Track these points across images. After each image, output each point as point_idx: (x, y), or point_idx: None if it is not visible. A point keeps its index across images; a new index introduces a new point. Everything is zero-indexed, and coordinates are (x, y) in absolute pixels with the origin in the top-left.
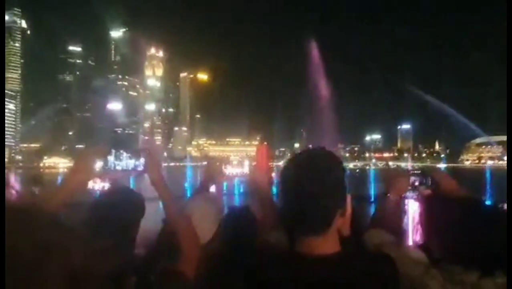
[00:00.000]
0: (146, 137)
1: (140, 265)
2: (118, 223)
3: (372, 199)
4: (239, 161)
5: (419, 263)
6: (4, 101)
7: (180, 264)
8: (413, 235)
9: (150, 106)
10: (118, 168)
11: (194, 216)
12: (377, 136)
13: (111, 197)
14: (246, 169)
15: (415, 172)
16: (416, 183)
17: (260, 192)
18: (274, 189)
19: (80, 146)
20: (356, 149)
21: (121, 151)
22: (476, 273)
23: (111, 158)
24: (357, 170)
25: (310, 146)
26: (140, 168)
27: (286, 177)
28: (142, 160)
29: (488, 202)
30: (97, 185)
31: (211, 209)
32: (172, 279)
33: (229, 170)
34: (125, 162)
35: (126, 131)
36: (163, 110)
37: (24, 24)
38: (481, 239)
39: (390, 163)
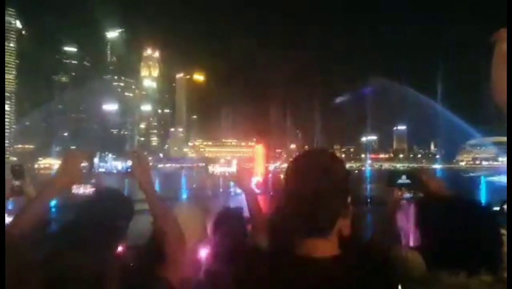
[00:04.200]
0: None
1: (127, 267)
2: (104, 226)
3: (369, 200)
4: (227, 160)
5: (418, 268)
6: (4, 101)
7: (166, 267)
8: (408, 237)
9: (146, 107)
10: (102, 170)
11: (180, 218)
12: (372, 137)
13: (98, 200)
14: (233, 168)
15: (405, 172)
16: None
17: (246, 191)
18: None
19: (74, 147)
20: (352, 149)
21: (106, 152)
22: (462, 274)
23: (96, 160)
24: (356, 171)
25: (306, 146)
26: (128, 170)
27: (290, 178)
28: (129, 162)
29: (476, 201)
30: (84, 189)
31: (198, 212)
32: (157, 284)
33: (217, 169)
34: (110, 163)
35: (122, 132)
36: (159, 111)
37: (19, 24)
38: (466, 238)
39: (386, 165)
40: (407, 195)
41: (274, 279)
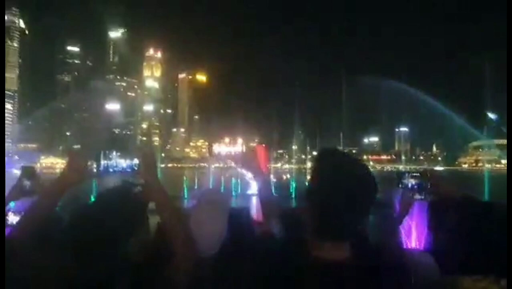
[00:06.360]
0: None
1: (134, 267)
2: (117, 224)
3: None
4: (232, 138)
5: (432, 272)
6: (4, 101)
7: (172, 268)
8: (420, 240)
9: (148, 107)
10: (110, 169)
11: (202, 220)
12: (374, 139)
13: (113, 196)
14: (239, 148)
15: (414, 174)
16: (414, 185)
17: (255, 173)
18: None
19: (77, 146)
20: (354, 151)
21: (111, 150)
22: (478, 279)
23: (100, 158)
24: None
25: (308, 148)
26: (134, 168)
27: (323, 180)
28: (136, 160)
29: (491, 203)
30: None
31: (219, 211)
32: (163, 283)
33: (223, 149)
34: (115, 160)
35: (124, 132)
36: (161, 111)
37: (22, 24)
38: (481, 242)
39: (388, 167)
40: (418, 196)
41: (291, 282)
